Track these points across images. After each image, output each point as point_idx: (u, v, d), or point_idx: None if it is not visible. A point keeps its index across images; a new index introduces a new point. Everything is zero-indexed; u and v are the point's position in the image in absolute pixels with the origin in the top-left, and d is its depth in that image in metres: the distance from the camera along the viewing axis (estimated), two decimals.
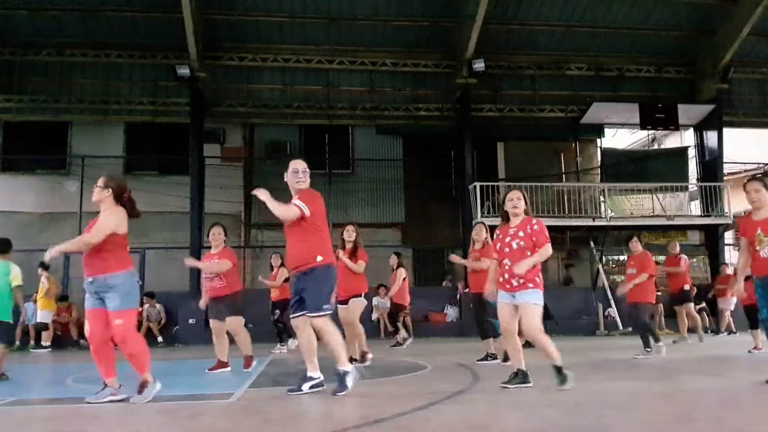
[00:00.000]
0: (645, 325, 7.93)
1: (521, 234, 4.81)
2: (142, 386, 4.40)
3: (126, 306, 4.43)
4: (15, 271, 6.68)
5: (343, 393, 4.46)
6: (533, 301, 4.73)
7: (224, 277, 6.72)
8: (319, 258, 4.70)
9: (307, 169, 4.94)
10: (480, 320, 7.26)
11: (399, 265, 10.36)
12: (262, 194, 4.71)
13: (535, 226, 4.82)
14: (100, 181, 4.64)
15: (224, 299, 6.74)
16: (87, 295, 4.52)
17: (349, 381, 4.53)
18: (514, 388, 4.72)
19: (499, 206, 5.13)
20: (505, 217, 5.00)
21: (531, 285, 4.74)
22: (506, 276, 4.81)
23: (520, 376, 4.80)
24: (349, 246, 7.26)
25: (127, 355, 4.43)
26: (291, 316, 4.84)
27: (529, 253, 4.76)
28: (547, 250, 4.75)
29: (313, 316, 4.63)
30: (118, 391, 4.45)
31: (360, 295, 7.17)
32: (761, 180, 5.09)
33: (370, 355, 7.20)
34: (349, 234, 7.29)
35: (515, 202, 4.90)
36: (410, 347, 10.27)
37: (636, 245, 8.16)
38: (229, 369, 6.67)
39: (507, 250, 4.84)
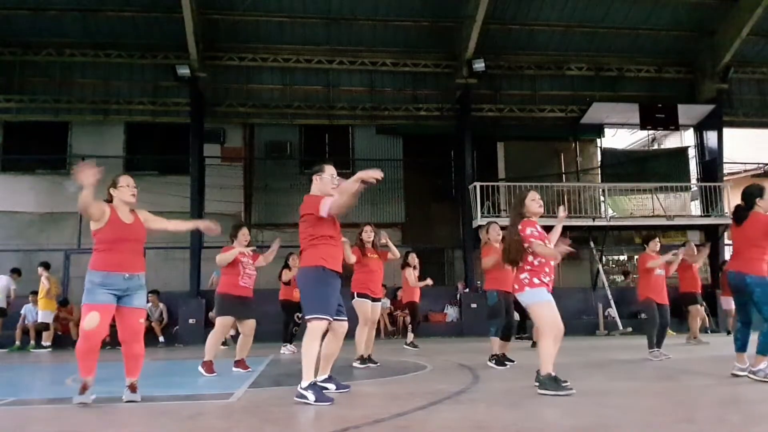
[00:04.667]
0: (654, 323, 7.89)
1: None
2: (134, 388, 4.45)
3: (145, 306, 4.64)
4: None
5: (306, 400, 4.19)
6: None
7: (251, 277, 6.76)
8: None
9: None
10: (522, 318, 7.18)
11: (406, 265, 10.41)
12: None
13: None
14: (133, 182, 4.75)
15: (251, 299, 6.79)
16: (102, 290, 4.31)
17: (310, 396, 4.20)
18: (564, 395, 4.39)
19: (518, 204, 5.03)
20: (523, 216, 4.94)
21: None
22: (554, 276, 4.92)
23: (563, 381, 4.53)
24: (369, 246, 7.18)
25: (137, 354, 4.48)
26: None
27: None
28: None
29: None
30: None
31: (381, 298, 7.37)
32: None
33: (356, 363, 6.99)
34: (368, 234, 7.20)
35: (539, 201, 4.96)
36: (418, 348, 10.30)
37: (656, 245, 8.05)
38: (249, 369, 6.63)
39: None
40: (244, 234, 6.78)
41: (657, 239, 8.13)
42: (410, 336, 10.60)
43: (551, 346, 4.61)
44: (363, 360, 6.98)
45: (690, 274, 10.50)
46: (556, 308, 4.68)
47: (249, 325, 6.74)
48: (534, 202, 4.91)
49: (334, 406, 4.20)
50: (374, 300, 7.08)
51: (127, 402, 4.34)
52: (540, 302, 4.71)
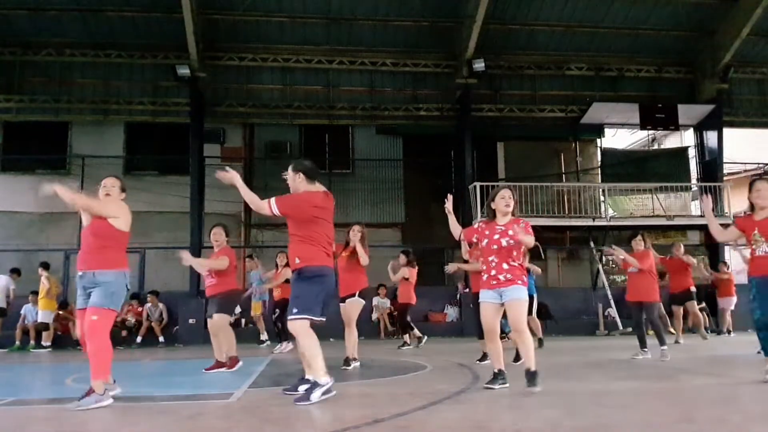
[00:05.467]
0: (657, 324, 7.91)
1: (510, 233, 4.80)
2: (89, 392, 4.25)
3: (106, 305, 4.37)
4: None
5: (304, 404, 4.16)
6: (520, 297, 4.74)
7: (216, 275, 6.74)
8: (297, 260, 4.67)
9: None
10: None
11: (408, 264, 10.45)
12: (229, 177, 4.72)
13: (522, 225, 4.83)
14: (109, 182, 4.79)
15: (216, 297, 6.76)
16: (79, 293, 4.51)
17: (314, 395, 4.24)
18: (499, 388, 4.71)
19: (489, 201, 5.12)
20: (492, 215, 5.01)
21: (519, 282, 4.75)
22: (492, 273, 4.78)
23: (501, 377, 4.79)
24: (351, 245, 7.18)
25: (89, 352, 4.34)
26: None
27: (515, 253, 4.79)
28: (532, 240, 4.80)
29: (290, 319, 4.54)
30: (114, 386, 4.49)
31: (354, 295, 7.01)
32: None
33: (356, 364, 6.88)
34: (354, 234, 7.21)
35: (507, 200, 4.91)
36: (410, 347, 10.31)
37: (639, 244, 8.14)
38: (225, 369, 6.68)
39: (495, 247, 4.81)
40: (213, 233, 6.93)
41: (639, 237, 8.12)
42: (408, 337, 10.65)
43: (489, 344, 4.97)
44: (346, 361, 6.93)
45: (679, 275, 10.50)
46: (485, 310, 4.86)
47: (210, 323, 6.80)
48: (502, 200, 4.95)
49: (334, 406, 4.20)
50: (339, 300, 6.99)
51: (76, 410, 4.13)
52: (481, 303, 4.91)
